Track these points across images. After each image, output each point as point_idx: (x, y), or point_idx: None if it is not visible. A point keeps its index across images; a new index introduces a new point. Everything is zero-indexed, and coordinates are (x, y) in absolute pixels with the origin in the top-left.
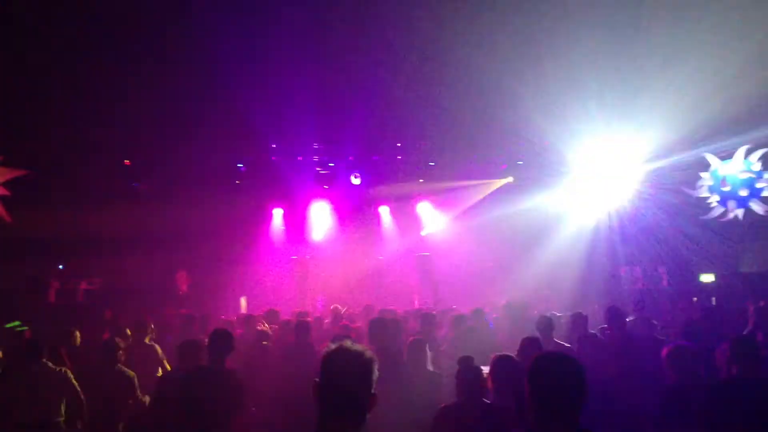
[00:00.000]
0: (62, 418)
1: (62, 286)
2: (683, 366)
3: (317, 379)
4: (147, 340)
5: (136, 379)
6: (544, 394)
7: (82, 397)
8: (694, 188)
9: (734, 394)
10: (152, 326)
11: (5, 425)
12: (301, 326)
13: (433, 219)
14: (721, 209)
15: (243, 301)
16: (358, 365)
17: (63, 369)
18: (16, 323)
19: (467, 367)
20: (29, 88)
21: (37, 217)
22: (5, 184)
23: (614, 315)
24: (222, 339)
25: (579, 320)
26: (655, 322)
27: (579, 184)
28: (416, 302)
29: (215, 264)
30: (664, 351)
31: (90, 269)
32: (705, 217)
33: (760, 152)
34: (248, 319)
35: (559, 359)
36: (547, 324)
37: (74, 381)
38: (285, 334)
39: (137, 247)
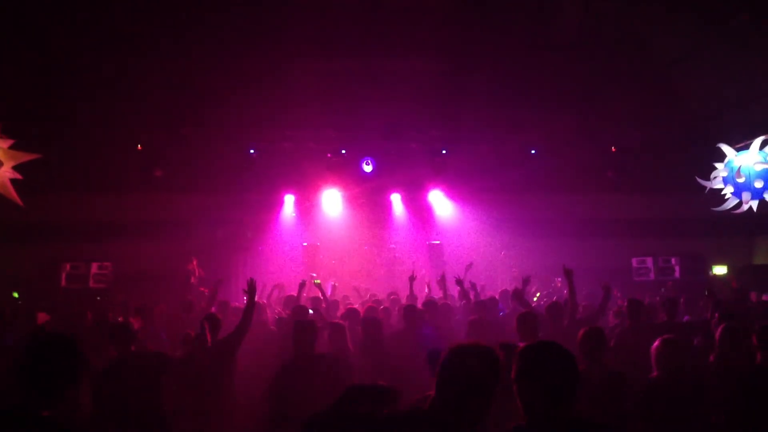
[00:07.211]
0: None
1: (73, 270)
2: (669, 361)
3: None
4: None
5: None
6: (541, 384)
7: None
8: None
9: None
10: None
11: (124, 417)
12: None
13: (445, 207)
14: (736, 201)
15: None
16: (490, 361)
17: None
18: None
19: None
20: (43, 72)
21: (49, 201)
22: (18, 168)
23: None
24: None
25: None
26: None
27: None
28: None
29: (226, 250)
30: (654, 345)
31: (101, 254)
32: (719, 208)
33: None
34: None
35: (548, 348)
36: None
37: None
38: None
39: (148, 232)
